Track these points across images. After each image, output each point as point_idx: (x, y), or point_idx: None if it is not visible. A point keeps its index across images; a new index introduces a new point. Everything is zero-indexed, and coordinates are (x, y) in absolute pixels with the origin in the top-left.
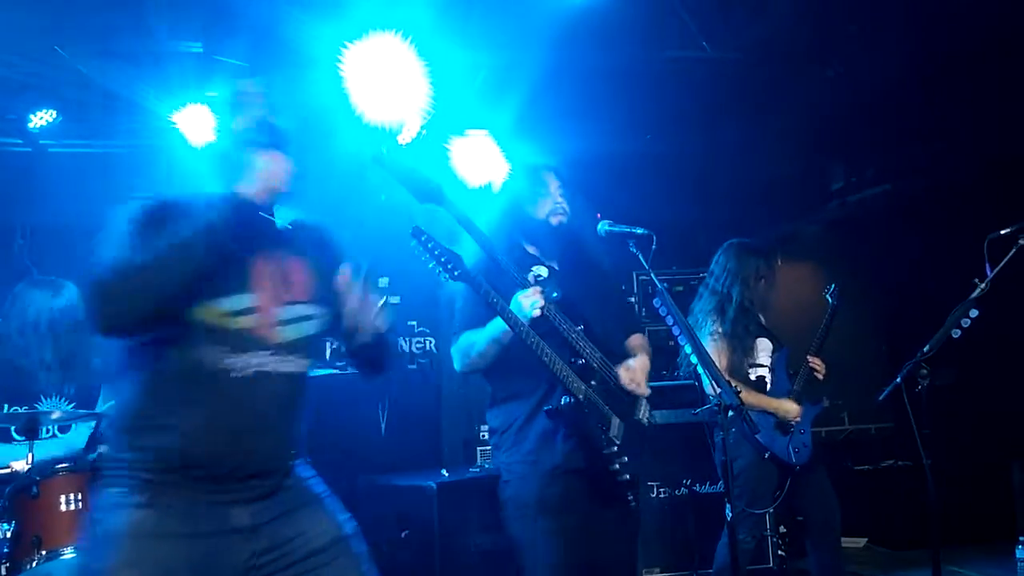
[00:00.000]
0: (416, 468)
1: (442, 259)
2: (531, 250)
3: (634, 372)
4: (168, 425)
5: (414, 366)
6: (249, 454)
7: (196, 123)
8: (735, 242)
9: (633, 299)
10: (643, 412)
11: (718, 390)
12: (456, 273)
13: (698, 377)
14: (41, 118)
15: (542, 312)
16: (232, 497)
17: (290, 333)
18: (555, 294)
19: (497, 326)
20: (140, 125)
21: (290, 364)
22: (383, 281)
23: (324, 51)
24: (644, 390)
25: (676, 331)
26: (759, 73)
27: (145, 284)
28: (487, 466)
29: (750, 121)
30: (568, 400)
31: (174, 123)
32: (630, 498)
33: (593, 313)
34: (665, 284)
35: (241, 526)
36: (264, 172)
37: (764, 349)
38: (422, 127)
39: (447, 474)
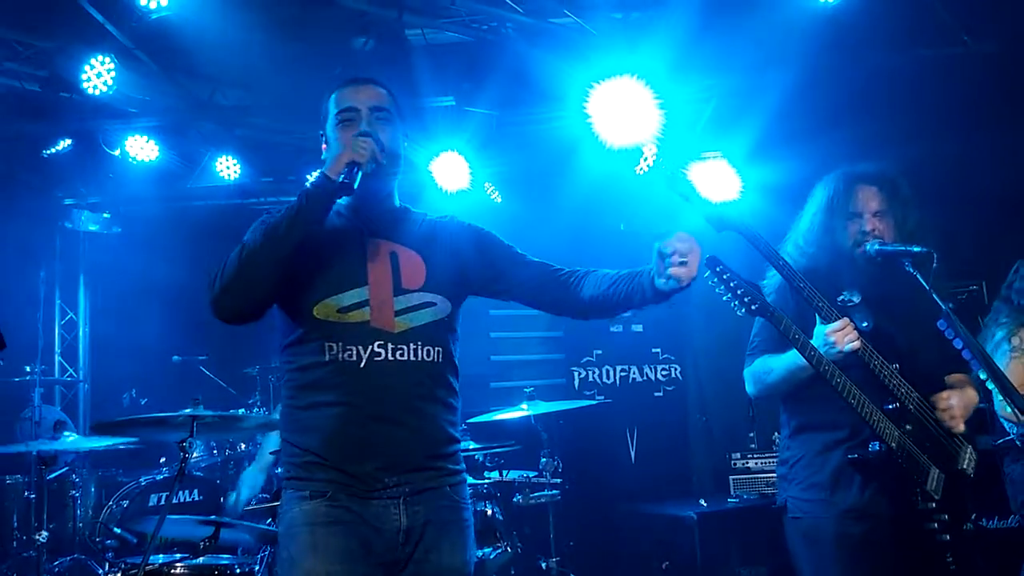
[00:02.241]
0: (667, 497)
1: (739, 291)
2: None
3: (952, 408)
4: (307, 421)
5: (660, 393)
6: (381, 446)
7: (449, 170)
8: None
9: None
10: (967, 461)
11: (1022, 418)
12: (754, 307)
13: (988, 401)
14: (315, 176)
15: (857, 350)
16: (385, 494)
17: (408, 322)
18: (865, 324)
19: (795, 360)
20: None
21: (411, 352)
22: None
23: (571, 89)
24: (959, 425)
25: (967, 355)
26: None
27: (244, 266)
28: (744, 496)
29: (1020, 117)
30: (877, 448)
31: (430, 171)
32: (949, 560)
33: (909, 348)
34: (951, 305)
35: (397, 525)
36: (339, 150)
37: None
38: (659, 154)
39: (705, 504)
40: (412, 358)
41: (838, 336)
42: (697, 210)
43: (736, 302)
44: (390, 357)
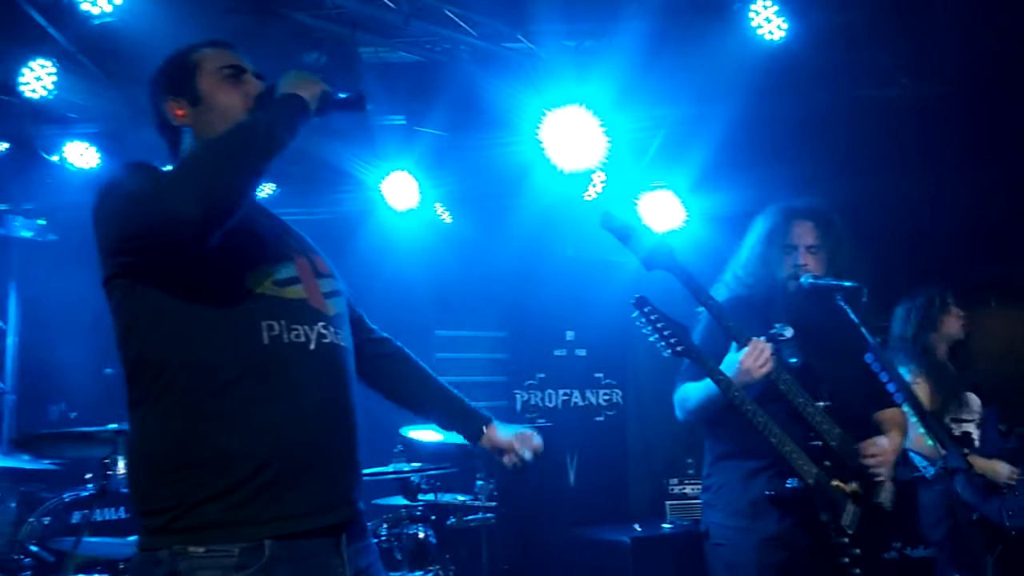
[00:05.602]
0: (604, 521)
1: (665, 332)
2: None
3: (881, 450)
4: (235, 427)
5: (601, 418)
6: (337, 452)
7: (399, 190)
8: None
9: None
10: (886, 495)
11: (943, 452)
12: (679, 349)
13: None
14: (262, 191)
15: (768, 375)
16: (327, 522)
17: (334, 306)
18: (793, 359)
19: (709, 390)
20: (348, 193)
21: (346, 339)
22: (569, 334)
23: (521, 114)
24: (884, 472)
25: (892, 388)
26: (968, 107)
27: (231, 160)
28: (679, 522)
29: (957, 158)
30: (794, 484)
31: (380, 190)
32: None
33: (837, 384)
34: (878, 339)
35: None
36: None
37: (972, 404)
38: (607, 182)
39: (640, 529)
40: (348, 345)
41: (750, 362)
42: (630, 250)
43: (662, 343)
44: (334, 340)
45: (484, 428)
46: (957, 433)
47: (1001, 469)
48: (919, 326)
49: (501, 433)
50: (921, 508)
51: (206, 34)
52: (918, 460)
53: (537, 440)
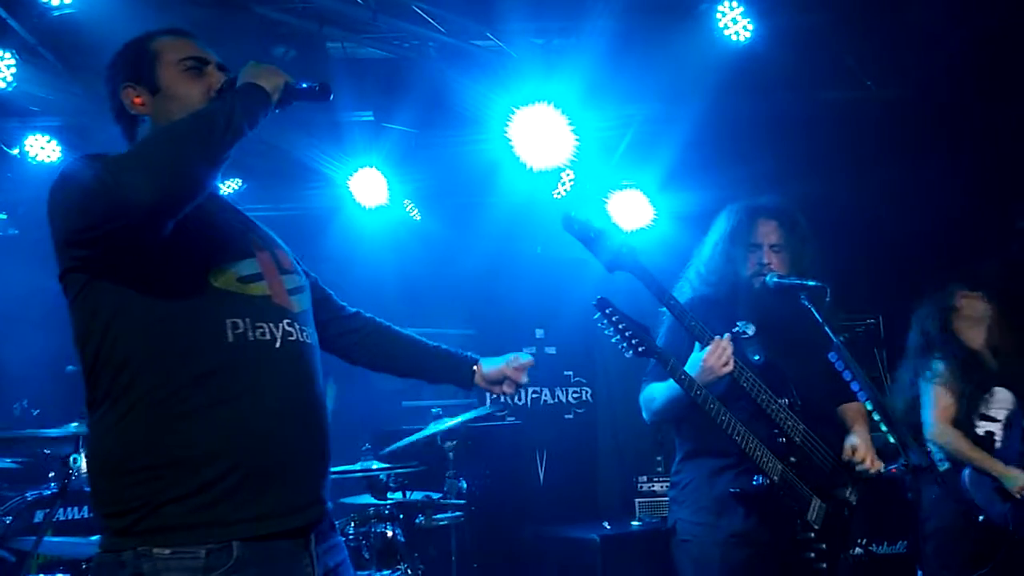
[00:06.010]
0: (574, 519)
1: (627, 333)
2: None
3: (857, 450)
4: (203, 426)
5: (570, 416)
6: (306, 451)
7: (367, 186)
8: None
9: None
10: (851, 491)
11: (904, 452)
12: (641, 349)
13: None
14: (228, 186)
15: (731, 373)
16: (294, 523)
17: (299, 303)
18: (756, 357)
19: (674, 389)
20: (316, 190)
21: (311, 336)
22: (539, 332)
23: (490, 111)
24: (878, 465)
25: (856, 387)
26: (930, 110)
27: (183, 137)
28: (648, 519)
29: (919, 160)
30: (760, 481)
31: (348, 187)
32: None
33: (800, 381)
34: (842, 338)
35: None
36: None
37: (1002, 401)
38: (576, 180)
39: (609, 527)
40: (314, 343)
41: (713, 360)
42: (592, 253)
43: (624, 344)
44: (299, 338)
45: (474, 370)
46: (980, 432)
47: (1017, 477)
48: (938, 314)
49: (490, 368)
50: (923, 498)
51: (169, 26)
52: (935, 452)
53: (526, 358)
